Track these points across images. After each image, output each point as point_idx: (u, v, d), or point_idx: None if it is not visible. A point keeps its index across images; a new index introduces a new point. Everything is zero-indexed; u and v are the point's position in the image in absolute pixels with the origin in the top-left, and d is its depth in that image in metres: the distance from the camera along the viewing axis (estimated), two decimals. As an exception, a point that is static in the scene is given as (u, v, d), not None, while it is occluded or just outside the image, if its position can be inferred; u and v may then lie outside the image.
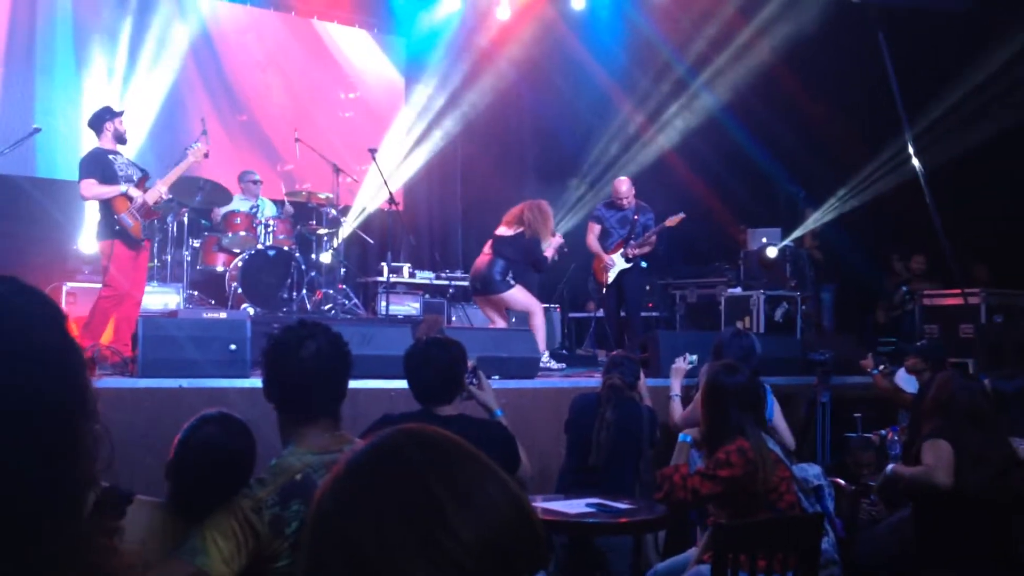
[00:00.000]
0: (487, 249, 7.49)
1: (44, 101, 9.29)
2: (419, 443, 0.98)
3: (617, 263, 8.28)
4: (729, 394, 3.72)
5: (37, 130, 7.46)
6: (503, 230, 7.52)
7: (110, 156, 6.58)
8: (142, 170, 6.77)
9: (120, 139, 6.71)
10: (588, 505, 4.09)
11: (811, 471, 3.85)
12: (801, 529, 3.42)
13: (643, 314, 9.10)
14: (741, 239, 10.48)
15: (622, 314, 8.51)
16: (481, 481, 0.95)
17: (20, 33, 9.34)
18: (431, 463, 0.95)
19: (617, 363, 5.11)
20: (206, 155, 7.17)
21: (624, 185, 8.45)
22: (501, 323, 7.57)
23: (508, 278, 7.36)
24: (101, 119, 6.66)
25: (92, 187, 6.41)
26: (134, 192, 6.48)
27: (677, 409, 5.48)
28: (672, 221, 8.23)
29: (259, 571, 2.21)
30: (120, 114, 6.74)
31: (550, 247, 7.54)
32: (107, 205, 6.46)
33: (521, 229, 7.39)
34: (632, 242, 8.24)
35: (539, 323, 7.33)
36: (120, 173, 6.53)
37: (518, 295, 7.41)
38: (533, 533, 0.97)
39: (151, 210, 6.60)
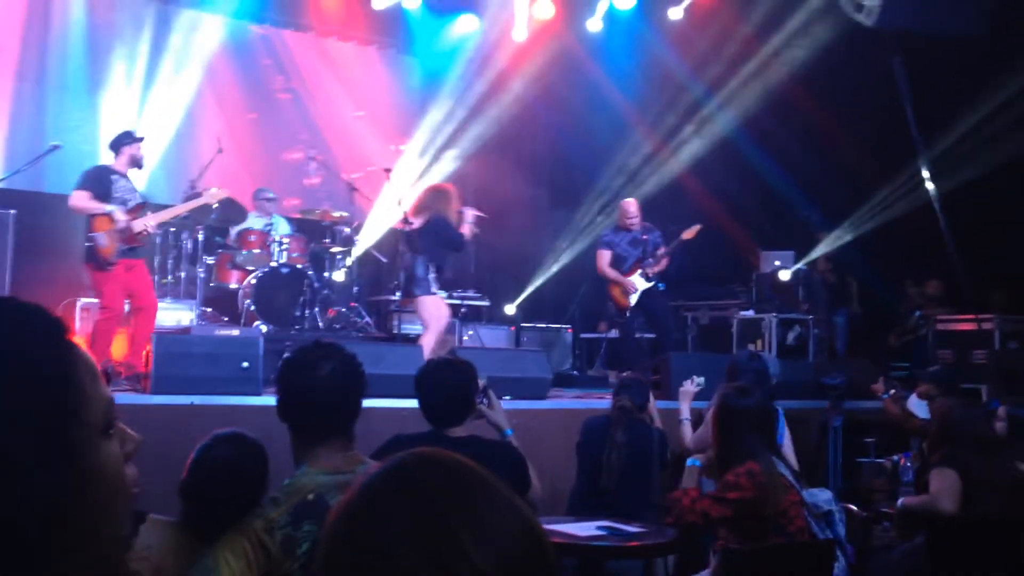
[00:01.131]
0: (403, 248, 7.28)
1: (57, 117, 9.38)
2: (432, 468, 0.98)
3: (639, 284, 8.26)
4: (740, 417, 3.71)
5: (56, 147, 7.52)
6: (414, 223, 7.25)
7: (113, 176, 6.71)
8: (143, 199, 6.89)
9: (136, 164, 6.88)
10: (598, 528, 4.07)
11: (821, 496, 3.83)
12: (813, 555, 3.40)
13: (653, 335, 9.00)
14: (754, 261, 10.47)
15: (649, 336, 8.46)
16: (495, 506, 0.95)
17: (33, 49, 9.42)
18: (444, 488, 0.95)
19: (627, 385, 5.11)
20: (222, 200, 7.38)
21: (633, 206, 8.48)
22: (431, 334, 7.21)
23: (430, 277, 7.09)
24: (120, 142, 6.83)
25: (82, 199, 6.57)
26: (119, 215, 6.56)
27: (687, 433, 5.46)
28: (689, 233, 8.20)
29: (270, 591, 2.21)
30: (140, 140, 6.89)
31: (466, 224, 7.34)
32: (88, 221, 6.61)
33: (425, 215, 7.18)
34: (649, 261, 8.23)
35: (428, 341, 6.97)
36: (115, 195, 6.65)
37: (429, 306, 7.11)
38: (546, 558, 0.97)
39: (134, 237, 6.65)
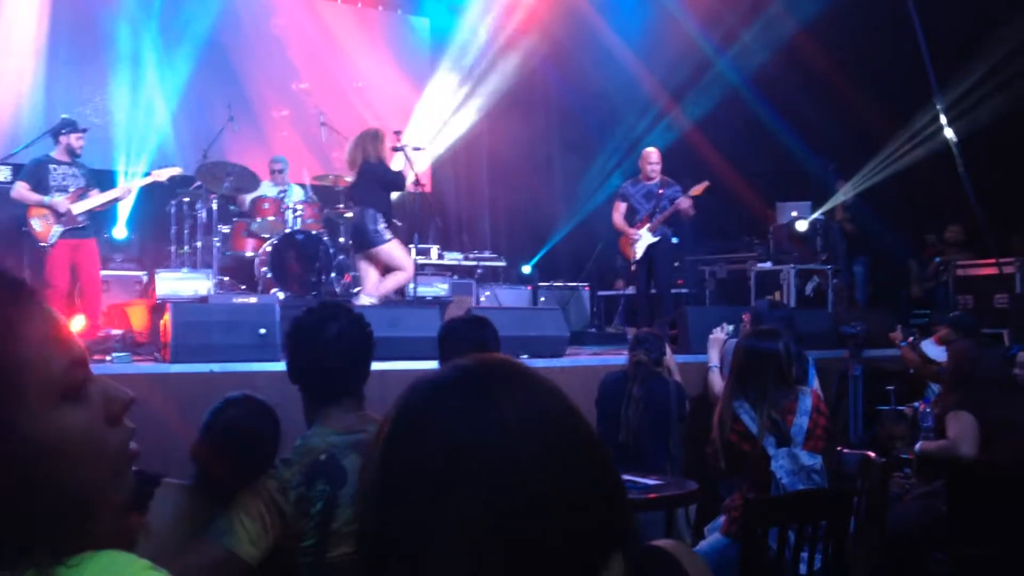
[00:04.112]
0: (350, 204, 7.26)
1: (68, 91, 9.40)
2: (484, 361, 0.99)
3: (644, 237, 8.18)
4: (762, 360, 3.73)
5: (66, 121, 7.56)
6: (349, 178, 7.28)
7: (51, 166, 7.12)
8: (87, 184, 7.21)
9: (72, 153, 7.21)
10: (617, 482, 4.09)
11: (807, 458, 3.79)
12: (829, 503, 3.40)
13: (673, 291, 9.02)
14: (769, 214, 10.39)
15: (652, 291, 8.42)
16: (531, 386, 0.96)
17: (43, 24, 9.43)
18: (490, 372, 0.97)
19: (641, 340, 5.10)
20: (171, 178, 7.74)
21: (654, 155, 8.36)
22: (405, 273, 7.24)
23: (380, 227, 7.02)
24: (58, 131, 7.23)
25: (21, 190, 7.01)
26: (57, 201, 6.97)
27: (716, 380, 5.43)
28: (697, 190, 8.11)
29: (286, 550, 2.24)
30: (76, 130, 7.23)
31: (405, 166, 7.29)
32: (25, 209, 7.01)
33: (358, 164, 7.12)
34: (658, 215, 8.16)
35: (403, 279, 7.07)
36: (53, 183, 7.07)
37: (394, 250, 7.10)
38: (612, 477, 0.97)
39: (71, 219, 7.01)
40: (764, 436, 3.61)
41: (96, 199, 7.19)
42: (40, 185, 7.04)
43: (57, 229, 6.98)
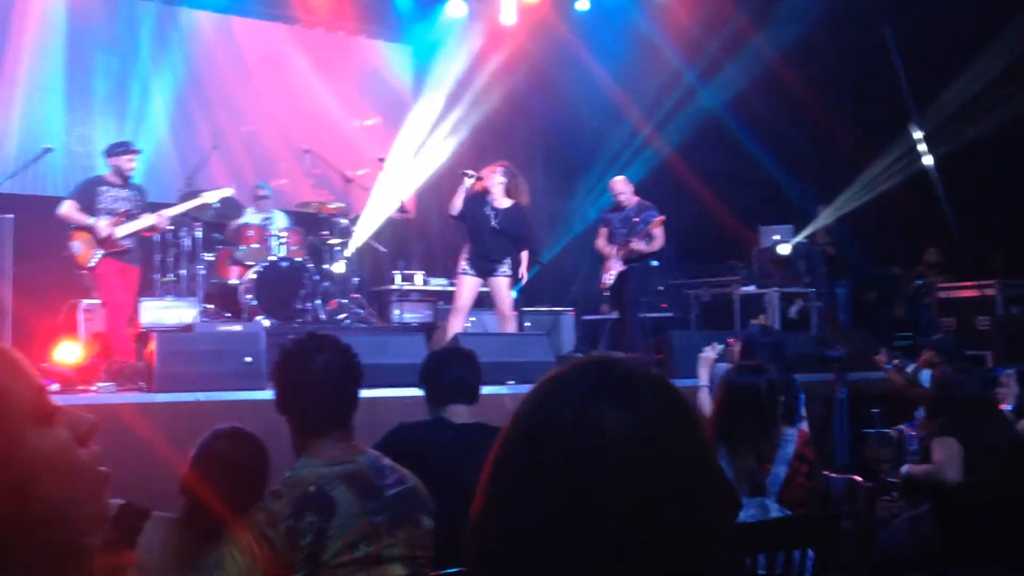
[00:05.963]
0: None
1: (51, 120, 9.38)
2: (591, 361, 1.03)
3: (614, 265, 8.23)
4: (743, 397, 3.67)
5: (48, 150, 7.55)
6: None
7: (101, 187, 6.95)
8: (136, 208, 7.05)
9: (120, 175, 7.02)
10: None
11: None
12: (813, 529, 3.40)
13: (656, 315, 9.02)
14: (752, 238, 10.46)
15: (652, 315, 8.45)
16: (642, 386, 1.02)
17: (24, 53, 9.40)
18: (602, 374, 1.00)
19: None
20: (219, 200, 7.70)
21: (619, 184, 8.39)
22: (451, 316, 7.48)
23: (460, 258, 7.40)
24: (107, 153, 7.08)
25: (67, 209, 6.85)
26: (100, 224, 6.80)
27: (705, 400, 5.39)
28: (653, 224, 8.12)
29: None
30: (128, 151, 7.05)
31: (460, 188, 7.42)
32: (70, 232, 6.88)
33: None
34: (632, 243, 8.17)
35: (449, 323, 7.24)
36: (100, 205, 6.89)
37: (456, 286, 7.45)
38: (685, 419, 1.01)
39: (113, 243, 6.88)
40: (739, 485, 3.56)
41: (136, 224, 7.02)
42: (89, 207, 6.88)
43: (97, 253, 6.83)
